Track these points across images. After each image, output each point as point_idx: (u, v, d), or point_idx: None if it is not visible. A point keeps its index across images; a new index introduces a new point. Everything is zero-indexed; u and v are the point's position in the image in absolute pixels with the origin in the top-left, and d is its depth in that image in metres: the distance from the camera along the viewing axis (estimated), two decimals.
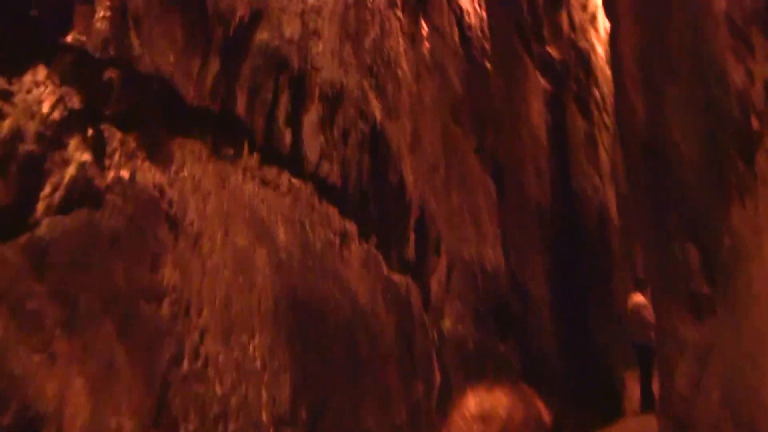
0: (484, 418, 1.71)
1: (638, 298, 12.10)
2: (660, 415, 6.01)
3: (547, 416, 1.76)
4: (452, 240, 5.69)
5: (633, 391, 12.87)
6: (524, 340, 8.08)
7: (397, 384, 4.06)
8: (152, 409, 2.46)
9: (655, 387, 9.24)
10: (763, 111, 2.77)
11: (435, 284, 5.37)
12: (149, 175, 2.65)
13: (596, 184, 11.64)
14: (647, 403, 11.02)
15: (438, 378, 4.81)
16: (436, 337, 5.25)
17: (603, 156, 12.39)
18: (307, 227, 3.68)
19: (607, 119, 13.14)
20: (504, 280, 6.92)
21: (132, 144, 2.61)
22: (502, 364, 6.44)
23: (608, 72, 11.77)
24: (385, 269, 4.24)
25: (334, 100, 4.25)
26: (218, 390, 2.81)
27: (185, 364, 2.65)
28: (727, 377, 4.29)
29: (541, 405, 1.77)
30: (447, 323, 5.50)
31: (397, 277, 4.40)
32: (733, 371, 4.15)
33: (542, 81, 10.19)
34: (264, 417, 3.10)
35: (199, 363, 2.71)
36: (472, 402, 1.76)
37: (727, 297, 4.03)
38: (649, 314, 9.97)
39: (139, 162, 2.63)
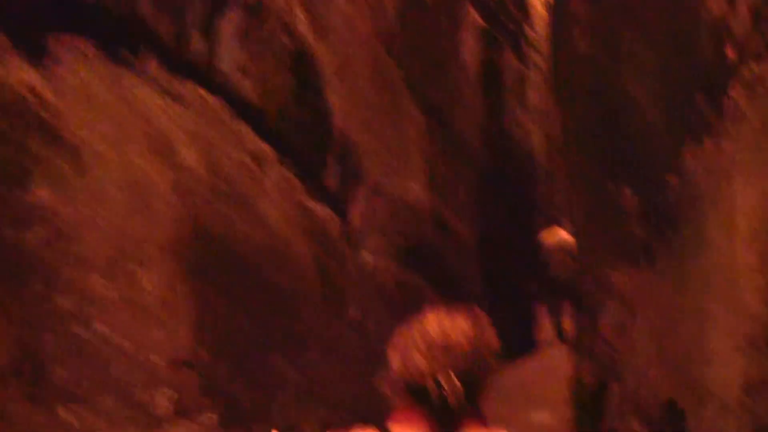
0: (446, 346, 1.67)
1: (561, 234, 12.05)
2: (577, 352, 5.83)
3: (495, 340, 1.71)
4: (377, 172, 5.30)
5: (546, 323, 12.99)
6: (447, 276, 7.82)
7: (314, 321, 3.70)
8: (14, 352, 2.04)
9: (567, 323, 9.32)
10: (744, 39, 2.45)
11: (356, 216, 4.99)
12: (21, 73, 2.18)
13: (526, 124, 11.37)
14: (559, 336, 11.25)
15: (358, 314, 4.46)
16: (356, 272, 4.89)
17: (534, 97, 12.11)
18: (217, 147, 3.23)
19: (540, 60, 12.83)
20: (428, 216, 6.58)
21: (3, 39, 2.14)
22: (424, 301, 6.14)
23: (544, 12, 11.44)
24: (303, 197, 3.83)
25: (256, 8, 3.78)
26: (100, 329, 2.40)
27: (58, 300, 2.22)
28: (664, 328, 4.06)
29: (491, 329, 1.73)
30: (367, 257, 5.15)
31: (316, 206, 4.00)
32: (673, 323, 3.90)
33: (476, 17, 9.79)
34: (157, 359, 2.69)
35: (76, 298, 2.28)
36: (434, 326, 1.71)
37: (670, 244, 3.76)
38: (569, 252, 9.95)
39: (9, 58, 2.16)
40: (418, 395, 1.68)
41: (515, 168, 10.91)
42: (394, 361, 1.74)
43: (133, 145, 2.68)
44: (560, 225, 13.93)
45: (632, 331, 4.57)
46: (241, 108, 3.49)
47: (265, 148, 3.62)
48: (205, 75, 3.30)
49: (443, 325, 1.73)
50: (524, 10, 12.15)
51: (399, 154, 5.86)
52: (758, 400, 3.18)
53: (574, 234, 7.57)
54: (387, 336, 5.04)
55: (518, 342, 10.56)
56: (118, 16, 2.76)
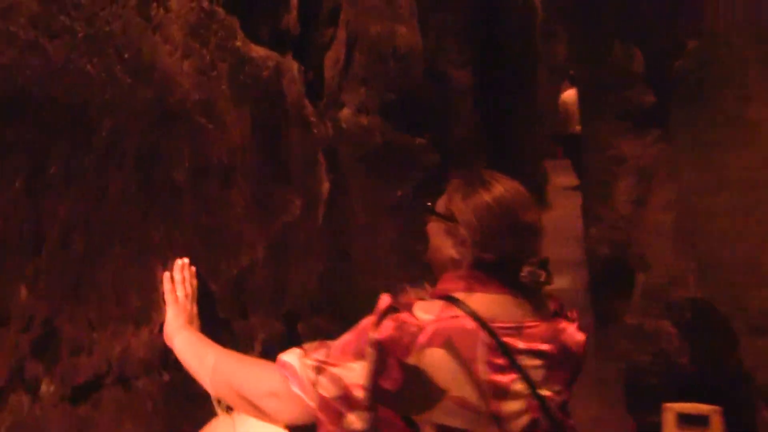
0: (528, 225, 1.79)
1: (570, 92, 11.34)
2: (591, 226, 5.33)
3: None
4: (355, 11, 4.39)
5: (556, 179, 12.31)
6: (443, 133, 6.98)
7: (252, 207, 2.91)
8: None
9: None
10: None
11: (330, 65, 4.13)
12: None
13: None
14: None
15: (326, 185, 3.67)
16: (330, 131, 4.08)
17: None
18: None
19: None
20: (420, 64, 5.69)
21: None
22: (415, 161, 5.34)
23: None
24: (239, 42, 2.96)
25: None
26: None
27: None
28: (681, 200, 3.47)
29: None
30: (346, 113, 4.31)
31: (259, 53, 3.13)
32: (689, 195, 3.33)
33: None
34: None
35: None
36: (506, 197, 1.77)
37: (684, 107, 3.10)
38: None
39: None
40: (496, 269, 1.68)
41: (512, 17, 9.86)
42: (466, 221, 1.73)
43: None
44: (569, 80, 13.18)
45: (649, 205, 4.09)
46: None
47: None
48: None
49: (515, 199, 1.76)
50: None
51: None
52: None
53: (578, 97, 6.90)
54: (378, 206, 4.03)
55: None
56: None
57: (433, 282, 1.78)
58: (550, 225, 8.58)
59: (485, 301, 1.64)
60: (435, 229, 1.83)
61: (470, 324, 1.57)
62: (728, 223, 3.05)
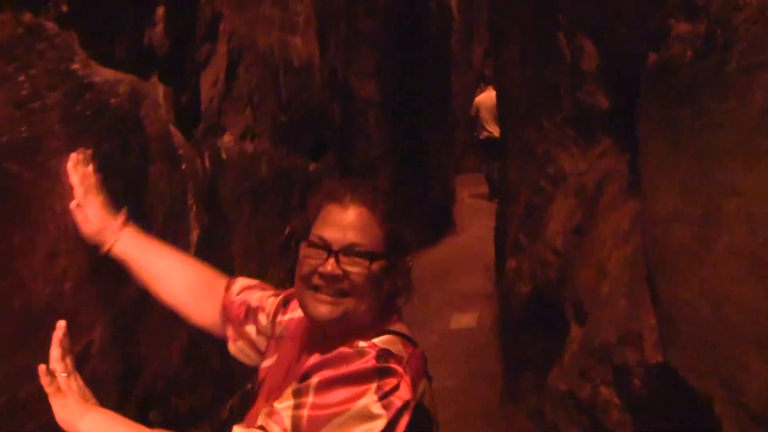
0: None
1: (485, 95, 11.01)
2: (510, 256, 4.76)
3: None
4: (239, 21, 3.82)
5: (464, 194, 11.92)
6: (345, 153, 6.47)
7: (89, 276, 2.32)
8: None
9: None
10: None
11: (208, 85, 3.54)
12: None
13: None
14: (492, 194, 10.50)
15: (195, 233, 3.09)
16: (206, 164, 3.50)
17: None
18: None
19: None
20: (319, 78, 5.14)
21: None
22: (312, 186, 4.78)
23: None
24: (77, 64, 2.36)
25: None
26: None
27: None
28: (638, 231, 2.91)
29: None
30: (227, 140, 3.74)
31: (107, 77, 2.52)
32: (652, 223, 2.72)
33: None
34: None
35: None
36: None
37: (663, 108, 2.53)
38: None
39: None
40: None
41: (426, 20, 9.41)
42: None
43: None
44: (480, 80, 12.89)
45: (592, 235, 3.45)
46: None
47: None
48: None
49: None
50: None
51: (274, 1, 4.35)
52: None
53: (499, 98, 6.29)
54: (264, 252, 3.35)
55: (437, 222, 9.42)
56: None
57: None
58: (456, 250, 8.11)
59: (405, 327, 1.76)
60: (375, 272, 1.69)
61: (417, 350, 1.70)
62: (710, 262, 2.16)
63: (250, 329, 2.01)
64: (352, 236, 1.64)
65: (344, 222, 1.65)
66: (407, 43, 8.53)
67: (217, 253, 3.38)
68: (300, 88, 4.66)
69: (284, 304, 1.98)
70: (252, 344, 2.01)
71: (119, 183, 2.45)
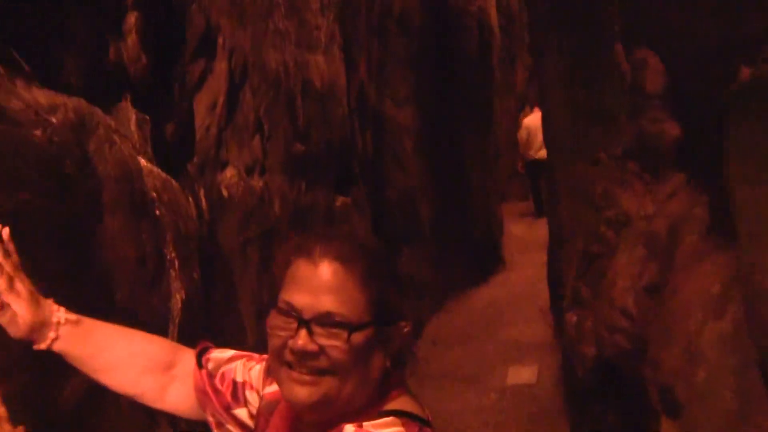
0: None
1: (533, 117, 10.65)
2: (569, 310, 4.09)
3: None
4: (243, 36, 3.24)
5: (516, 228, 11.30)
6: (378, 185, 5.87)
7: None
8: None
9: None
10: None
11: (204, 110, 2.96)
12: None
13: None
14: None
15: (180, 294, 2.48)
16: (202, 204, 2.92)
17: None
18: None
19: None
20: (345, 102, 4.55)
21: None
22: (339, 228, 4.20)
23: None
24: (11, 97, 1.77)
25: None
26: None
27: None
28: (737, 286, 2.25)
29: None
30: (229, 175, 3.15)
31: (28, 101, 1.90)
32: (755, 275, 2.07)
33: None
34: None
35: None
36: None
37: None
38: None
39: None
40: None
41: (466, 42, 8.81)
42: None
43: None
44: (524, 105, 12.51)
45: (674, 293, 2.78)
46: None
47: None
48: None
49: None
50: None
51: (289, 14, 3.78)
52: None
53: (547, 126, 5.61)
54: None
55: (481, 260, 8.76)
56: None
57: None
58: (507, 291, 7.41)
59: (411, 402, 1.41)
60: (358, 345, 1.34)
61: (427, 430, 1.38)
62: None
63: (241, 412, 1.65)
64: (326, 302, 1.32)
65: (316, 283, 1.33)
66: (445, 65, 7.92)
67: (218, 318, 2.78)
68: (322, 113, 4.06)
69: (270, 372, 1.59)
70: (244, 427, 1.64)
71: (57, 251, 1.84)
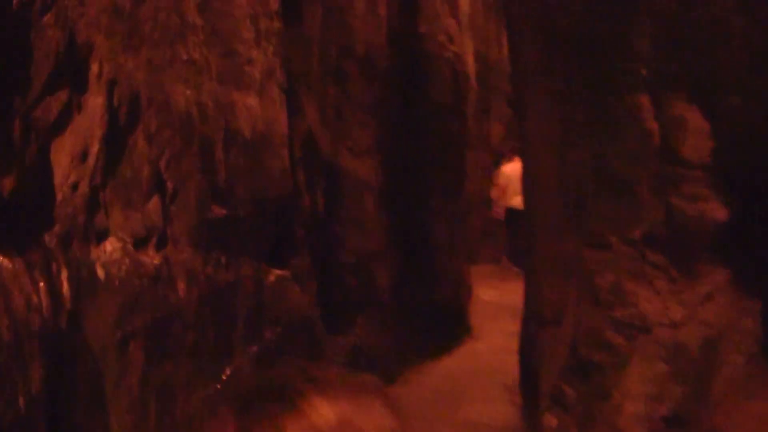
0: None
1: (514, 165, 10.21)
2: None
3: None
4: (134, 64, 2.45)
5: (486, 293, 10.54)
6: (330, 251, 5.08)
7: None
8: None
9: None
10: None
11: (66, 159, 2.16)
12: None
13: (451, 30, 8.54)
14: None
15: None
16: (62, 288, 2.10)
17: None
18: None
19: None
20: (286, 152, 3.76)
21: None
22: (263, 313, 3.42)
23: None
24: None
25: None
26: None
27: None
28: None
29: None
30: (110, 249, 2.34)
31: None
32: None
33: None
34: None
35: None
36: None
37: None
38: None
39: None
40: None
41: (437, 88, 8.12)
42: None
43: None
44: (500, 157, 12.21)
45: None
46: None
47: None
48: None
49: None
50: None
51: (209, 40, 3.00)
52: None
53: (546, 191, 4.77)
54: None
55: (447, 329, 8.00)
56: None
57: None
58: (471, 363, 6.54)
59: None
60: None
61: None
62: None
63: None
64: None
65: None
66: (414, 113, 7.19)
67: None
68: (251, 166, 3.27)
69: None
70: None
71: None
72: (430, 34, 7.90)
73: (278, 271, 3.58)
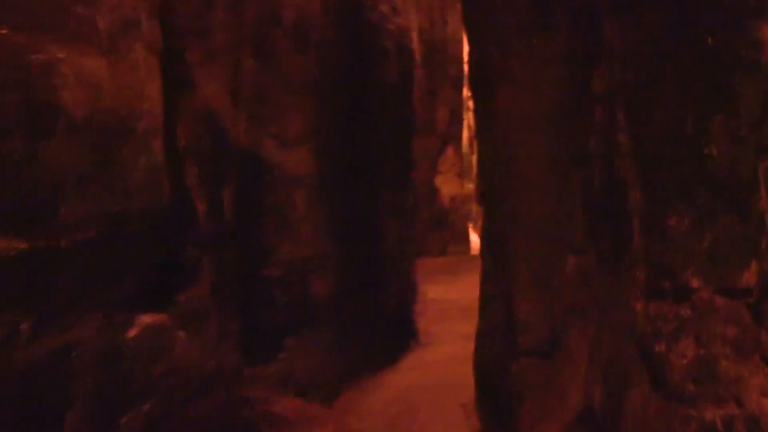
0: None
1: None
2: None
3: None
4: None
5: (432, 290, 9.56)
6: (250, 266, 3.92)
7: None
8: None
9: None
10: None
11: None
12: None
13: (395, 0, 7.42)
14: None
15: None
16: None
17: None
18: None
19: None
20: (160, 142, 2.54)
21: None
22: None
23: None
24: None
25: None
26: None
27: None
28: None
29: None
30: None
31: None
32: None
33: None
34: None
35: None
36: None
37: None
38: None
39: None
40: None
41: (381, 68, 7.01)
42: None
43: None
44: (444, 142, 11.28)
45: None
46: None
47: None
48: None
49: None
50: None
51: None
52: None
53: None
54: None
55: (393, 339, 6.97)
56: None
57: None
58: (420, 376, 5.43)
59: None
60: None
61: None
62: None
63: None
64: None
65: None
66: (355, 95, 6.05)
67: None
68: (92, 166, 2.06)
69: None
70: None
71: None
72: (372, 4, 6.73)
73: (149, 318, 2.37)
